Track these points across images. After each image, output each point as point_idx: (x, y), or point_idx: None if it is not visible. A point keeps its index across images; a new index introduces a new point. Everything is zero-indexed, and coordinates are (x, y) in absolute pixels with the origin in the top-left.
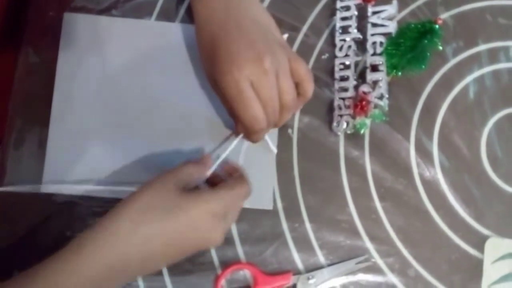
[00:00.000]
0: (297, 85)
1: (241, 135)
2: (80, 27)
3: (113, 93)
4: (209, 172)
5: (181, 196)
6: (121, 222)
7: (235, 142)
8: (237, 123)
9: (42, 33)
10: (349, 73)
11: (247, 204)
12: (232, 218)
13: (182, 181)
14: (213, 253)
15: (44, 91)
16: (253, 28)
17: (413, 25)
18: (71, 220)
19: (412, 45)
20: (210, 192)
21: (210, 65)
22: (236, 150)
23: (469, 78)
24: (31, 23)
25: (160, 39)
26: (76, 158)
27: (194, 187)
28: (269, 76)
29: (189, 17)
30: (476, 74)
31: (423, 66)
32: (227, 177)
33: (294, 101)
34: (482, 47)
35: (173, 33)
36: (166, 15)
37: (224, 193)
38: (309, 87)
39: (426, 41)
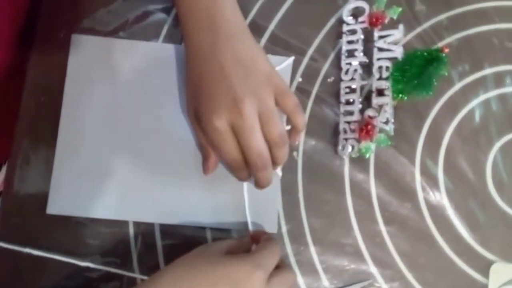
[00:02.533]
0: (288, 118)
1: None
2: (88, 48)
3: (121, 114)
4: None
5: (223, 256)
6: (165, 279)
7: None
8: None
9: (50, 54)
10: (354, 96)
11: (252, 227)
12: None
13: (224, 250)
14: None
15: (51, 112)
16: (234, 69)
17: (419, 52)
18: (76, 240)
19: (418, 72)
20: (248, 254)
21: (193, 102)
22: None
23: (475, 102)
24: (39, 44)
25: (168, 61)
26: (82, 179)
27: None
28: (248, 120)
29: None
30: (482, 98)
31: (430, 92)
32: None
33: (282, 137)
34: (488, 70)
35: (181, 55)
36: (173, 37)
37: (259, 254)
38: (299, 120)
39: (432, 68)
